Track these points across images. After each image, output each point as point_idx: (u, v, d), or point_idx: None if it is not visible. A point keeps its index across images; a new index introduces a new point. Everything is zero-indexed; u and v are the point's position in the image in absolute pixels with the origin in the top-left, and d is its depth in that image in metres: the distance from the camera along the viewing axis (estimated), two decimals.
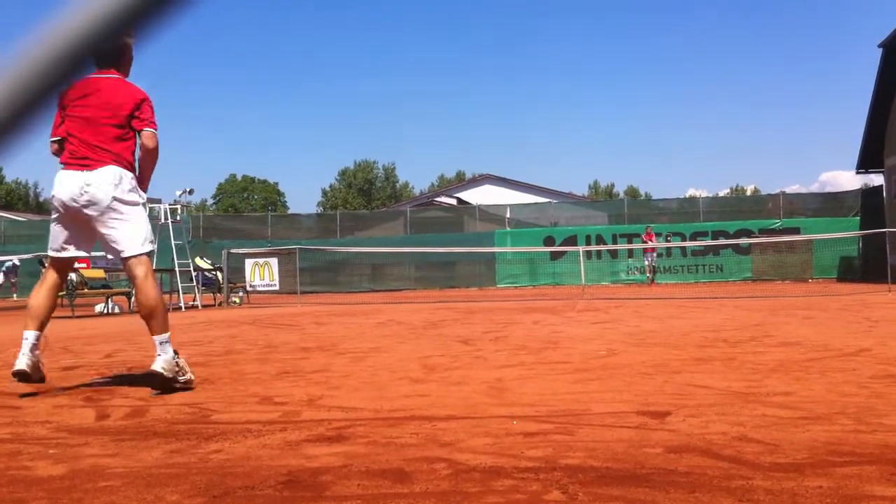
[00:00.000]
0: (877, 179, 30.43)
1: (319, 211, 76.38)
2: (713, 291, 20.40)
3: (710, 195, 54.49)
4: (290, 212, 74.17)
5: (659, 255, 28.66)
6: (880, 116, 26.98)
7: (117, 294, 16.86)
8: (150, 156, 4.93)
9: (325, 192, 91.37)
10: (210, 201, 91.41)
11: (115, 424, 3.56)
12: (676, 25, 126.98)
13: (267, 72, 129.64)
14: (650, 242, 27.10)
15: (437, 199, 44.29)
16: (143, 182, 4.94)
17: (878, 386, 4.19)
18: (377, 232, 33.47)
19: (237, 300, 19.94)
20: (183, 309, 16.93)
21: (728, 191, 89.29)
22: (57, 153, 4.82)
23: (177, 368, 4.68)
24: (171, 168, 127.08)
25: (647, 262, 27.95)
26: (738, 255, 28.90)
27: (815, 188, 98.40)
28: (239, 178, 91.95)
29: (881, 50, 25.95)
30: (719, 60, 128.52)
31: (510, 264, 30.21)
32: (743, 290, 21.22)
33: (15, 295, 28.86)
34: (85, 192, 4.62)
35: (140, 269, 4.84)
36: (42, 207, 75.68)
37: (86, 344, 8.13)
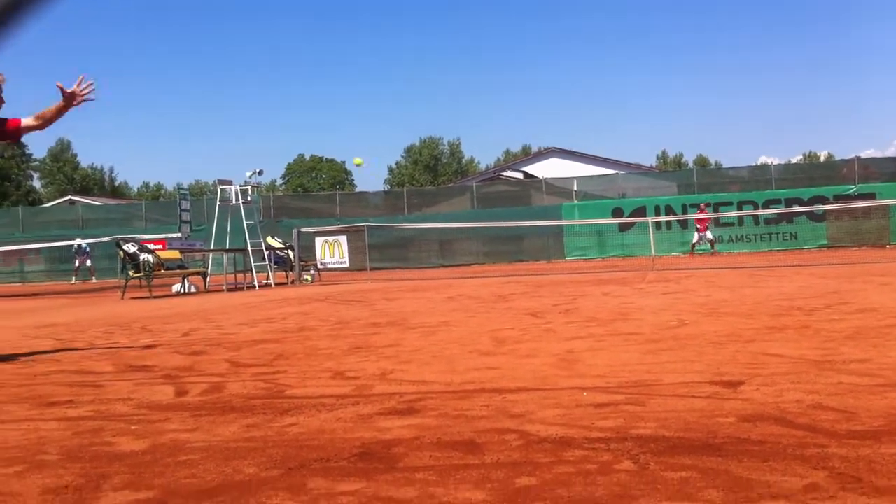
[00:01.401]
0: None
1: (386, 188, 76.76)
2: (787, 260, 20.00)
3: (783, 162, 53.28)
4: (357, 190, 74.73)
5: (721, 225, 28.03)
6: None
7: (193, 274, 17.21)
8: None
9: (391, 170, 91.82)
10: (279, 181, 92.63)
11: (194, 400, 3.66)
12: None
13: (331, 52, 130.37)
14: (704, 215, 26.48)
15: (503, 173, 44.12)
16: None
17: None
18: (444, 208, 33.57)
19: (308, 278, 20.22)
20: (256, 287, 17.22)
21: (801, 157, 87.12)
22: None
23: None
24: (240, 150, 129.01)
25: (704, 237, 27.24)
26: (813, 223, 28.27)
27: (890, 153, 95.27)
28: (307, 157, 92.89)
29: None
30: (787, 25, 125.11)
31: (578, 237, 30.03)
32: (818, 257, 20.75)
33: (94, 278, 29.63)
34: None
35: None
36: (117, 192, 77.54)
37: (164, 323, 8.35)
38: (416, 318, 7.66)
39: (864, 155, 33.70)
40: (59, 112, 5.38)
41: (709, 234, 27.16)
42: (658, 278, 13.77)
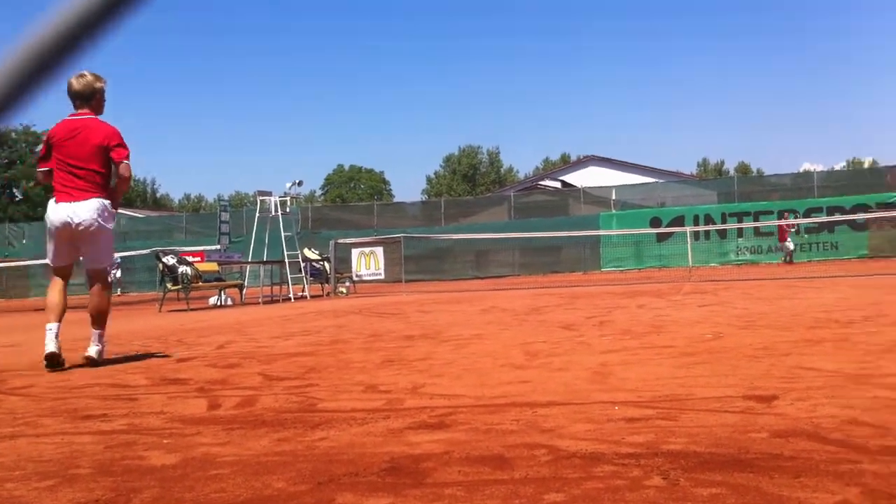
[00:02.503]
0: None
1: (424, 198, 76.90)
2: (827, 270, 19.73)
3: (826, 169, 52.60)
4: (395, 200, 75.02)
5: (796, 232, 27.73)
6: None
7: (230, 286, 17.37)
8: (125, 183, 6.07)
9: (429, 180, 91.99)
10: (318, 192, 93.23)
11: (226, 414, 3.69)
12: None
13: (371, 61, 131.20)
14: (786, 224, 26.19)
15: (542, 182, 44.11)
16: (115, 203, 6.05)
17: None
18: (481, 218, 33.60)
19: (344, 290, 20.29)
20: (292, 300, 17.33)
21: (844, 164, 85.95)
22: (43, 181, 6.00)
23: (104, 357, 5.97)
24: (280, 161, 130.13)
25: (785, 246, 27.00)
26: (854, 232, 27.85)
27: None
28: (346, 168, 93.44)
29: None
30: (827, 29, 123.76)
31: (615, 247, 29.86)
32: (859, 268, 20.46)
33: (119, 290, 29.58)
34: (72, 219, 5.76)
35: (103, 276, 6.10)
36: (159, 203, 78.45)
37: (199, 336, 8.43)
38: (450, 331, 7.67)
39: None
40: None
41: (790, 244, 26.87)
42: (694, 290, 13.66)
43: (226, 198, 33.43)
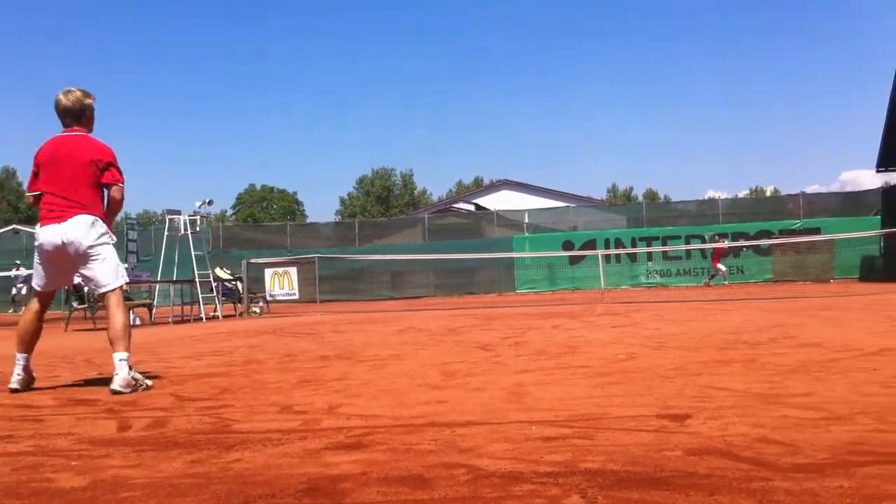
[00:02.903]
0: None
1: (338, 219, 76.52)
2: (734, 293, 20.29)
3: (730, 196, 54.18)
4: (308, 220, 74.41)
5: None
6: None
7: (139, 306, 16.93)
8: (118, 206, 5.71)
9: (343, 201, 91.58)
10: (229, 211, 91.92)
11: (137, 435, 3.59)
12: (688, 26, 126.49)
13: (283, 82, 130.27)
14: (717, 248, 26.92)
15: (455, 205, 44.26)
16: (108, 225, 5.60)
17: None
18: (396, 239, 33.55)
19: (257, 310, 19.99)
20: (204, 320, 17.00)
21: (747, 192, 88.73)
22: (33, 205, 5.64)
23: (133, 383, 5.26)
24: (190, 180, 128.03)
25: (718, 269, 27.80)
26: (759, 257, 28.80)
27: (835, 188, 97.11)
28: (258, 188, 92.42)
29: None
30: (737, 61, 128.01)
31: (529, 269, 30.16)
32: (764, 291, 21.10)
33: (24, 307, 28.53)
34: (64, 240, 5.35)
35: (113, 300, 5.62)
36: None
37: (108, 356, 8.15)
38: (366, 351, 7.62)
39: (809, 190, 34.47)
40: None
41: (722, 267, 27.57)
42: (607, 311, 13.87)
43: (133, 216, 32.60)
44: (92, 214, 5.44)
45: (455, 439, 3.22)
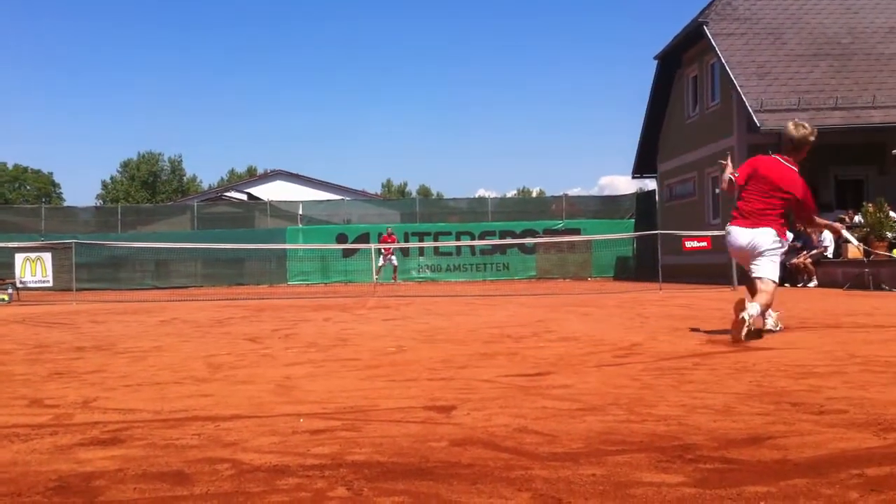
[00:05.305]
0: (651, 184, 32.62)
1: (99, 204, 72.51)
2: (500, 289, 21.06)
3: (499, 196, 56.15)
4: (66, 204, 70.16)
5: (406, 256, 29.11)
6: (654, 125, 28.80)
7: None
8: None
9: (105, 185, 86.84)
10: None
11: None
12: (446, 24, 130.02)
13: (43, 57, 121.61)
14: (389, 244, 27.16)
15: (227, 194, 43.15)
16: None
17: (648, 378, 4.45)
18: (162, 227, 32.24)
19: (6, 297, 18.61)
20: None
21: (515, 192, 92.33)
22: (726, 190, 7.09)
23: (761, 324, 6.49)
24: None
25: (384, 263, 27.59)
26: (524, 255, 30.07)
27: (594, 191, 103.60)
28: (10, 167, 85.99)
29: (656, 62, 27.62)
30: (497, 66, 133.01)
31: (302, 261, 29.92)
32: (527, 287, 22.05)
33: None
34: (751, 242, 6.66)
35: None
36: None
37: None
38: (125, 343, 7.27)
39: (571, 192, 36.29)
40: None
41: (393, 260, 27.85)
42: (379, 305, 14.00)
43: None
44: (774, 229, 6.70)
45: (219, 433, 3.12)
